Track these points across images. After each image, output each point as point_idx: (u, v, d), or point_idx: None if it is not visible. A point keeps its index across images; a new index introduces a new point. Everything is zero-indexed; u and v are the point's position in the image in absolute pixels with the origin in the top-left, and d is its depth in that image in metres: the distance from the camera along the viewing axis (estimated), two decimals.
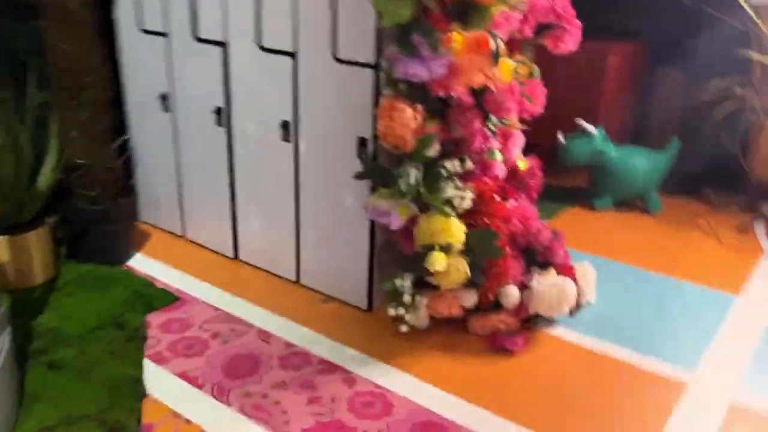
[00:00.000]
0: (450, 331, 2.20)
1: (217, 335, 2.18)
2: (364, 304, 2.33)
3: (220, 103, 2.50)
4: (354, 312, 2.33)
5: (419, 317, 2.13)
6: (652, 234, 3.07)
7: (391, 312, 2.11)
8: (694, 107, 3.28)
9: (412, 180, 1.92)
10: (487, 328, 2.17)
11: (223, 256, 2.72)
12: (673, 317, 2.35)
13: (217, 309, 2.33)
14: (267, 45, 2.30)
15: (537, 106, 2.27)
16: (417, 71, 1.87)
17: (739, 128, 3.24)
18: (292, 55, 2.24)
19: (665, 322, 2.32)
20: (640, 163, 3.21)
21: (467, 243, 2.01)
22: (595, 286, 2.41)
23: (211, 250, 2.76)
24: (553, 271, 2.19)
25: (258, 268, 2.62)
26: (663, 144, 3.25)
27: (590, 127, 3.16)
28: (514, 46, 2.17)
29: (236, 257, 2.70)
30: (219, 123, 2.53)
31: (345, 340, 2.16)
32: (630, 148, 3.26)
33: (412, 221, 2.02)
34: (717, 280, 2.62)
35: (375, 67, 2.03)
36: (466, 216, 2.05)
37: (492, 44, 1.86)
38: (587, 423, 1.81)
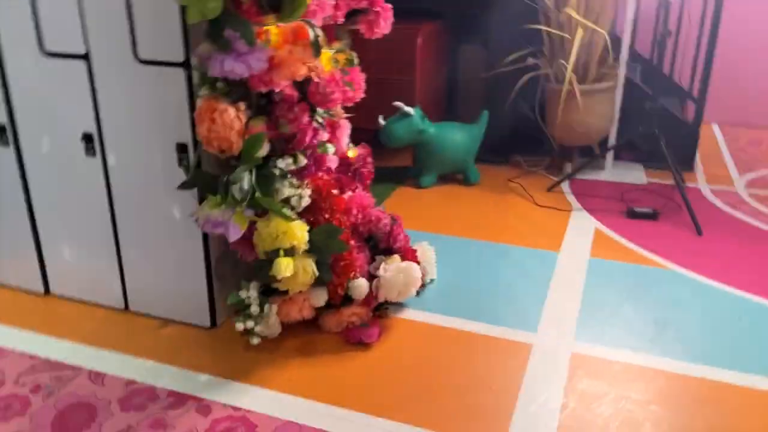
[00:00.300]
0: (304, 335, 2.12)
1: (39, 387, 1.89)
2: (207, 323, 2.16)
3: (0, 120, 2.15)
4: (197, 333, 2.15)
5: (270, 326, 2.03)
6: (476, 204, 3.22)
7: (239, 326, 1.98)
8: (496, 79, 3.49)
9: (246, 185, 1.79)
10: (341, 324, 2.12)
11: (32, 293, 2.37)
12: (508, 282, 2.49)
13: (33, 356, 2.02)
14: (51, 48, 2.01)
15: (358, 92, 2.24)
16: (234, 68, 1.73)
17: (537, 96, 3.51)
18: (84, 57, 1.98)
19: (502, 288, 2.45)
20: (458, 137, 3.34)
21: (311, 242, 1.94)
22: (435, 264, 2.49)
23: (15, 289, 2.40)
24: (396, 257, 2.19)
25: (77, 300, 2.32)
26: (474, 117, 3.42)
27: (408, 108, 3.23)
28: (329, 33, 2.11)
29: (48, 292, 2.36)
30: (2, 143, 2.18)
31: (192, 365, 1.98)
32: (446, 124, 3.38)
33: (250, 228, 1.89)
34: (539, 240, 2.82)
35: (186, 65, 1.86)
36: (305, 214, 1.97)
37: (311, 34, 1.78)
38: (451, 399, 1.84)
